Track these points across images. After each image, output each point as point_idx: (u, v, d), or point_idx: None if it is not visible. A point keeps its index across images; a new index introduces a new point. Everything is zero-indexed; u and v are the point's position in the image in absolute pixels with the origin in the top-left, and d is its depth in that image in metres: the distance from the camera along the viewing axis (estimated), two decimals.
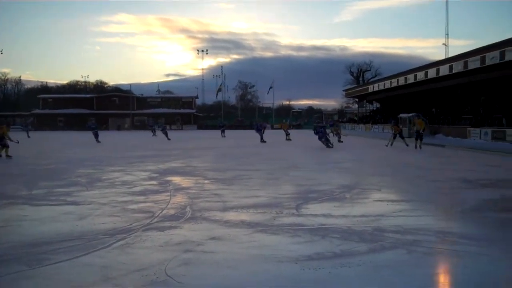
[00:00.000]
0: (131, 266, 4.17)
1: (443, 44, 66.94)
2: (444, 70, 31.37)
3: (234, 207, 7.05)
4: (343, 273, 3.97)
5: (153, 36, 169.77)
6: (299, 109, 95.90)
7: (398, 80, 40.65)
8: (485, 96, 31.12)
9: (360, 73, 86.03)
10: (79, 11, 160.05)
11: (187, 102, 78.38)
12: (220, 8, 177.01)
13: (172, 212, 6.70)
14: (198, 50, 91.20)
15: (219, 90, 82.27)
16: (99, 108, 73.23)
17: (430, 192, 9.07)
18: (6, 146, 17.03)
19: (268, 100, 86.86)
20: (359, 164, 15.16)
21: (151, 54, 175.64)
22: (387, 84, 44.12)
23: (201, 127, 72.92)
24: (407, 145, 21.88)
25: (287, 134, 30.89)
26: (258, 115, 79.68)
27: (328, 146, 21.66)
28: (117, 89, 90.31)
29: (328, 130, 24.21)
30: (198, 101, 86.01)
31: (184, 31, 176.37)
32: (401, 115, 35.27)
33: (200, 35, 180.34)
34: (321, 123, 25.55)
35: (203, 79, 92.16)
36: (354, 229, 5.54)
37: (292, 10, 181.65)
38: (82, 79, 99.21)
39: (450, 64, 30.58)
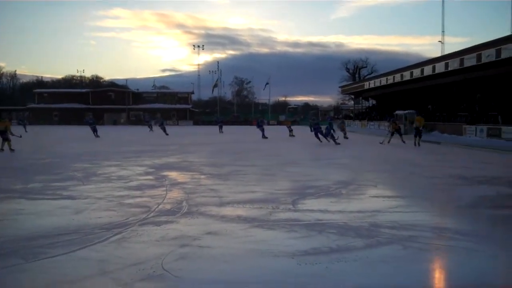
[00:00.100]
0: (127, 260, 4.17)
1: (439, 41, 67.26)
2: (440, 68, 31.41)
3: (230, 202, 7.06)
4: (340, 268, 3.99)
5: (149, 31, 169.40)
6: (295, 105, 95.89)
7: (394, 77, 40.67)
8: (481, 93, 31.19)
9: (356, 69, 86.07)
10: (74, 6, 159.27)
11: (183, 97, 78.15)
12: (216, 4, 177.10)
13: (168, 207, 6.70)
14: (194, 46, 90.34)
15: (215, 85, 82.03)
16: (95, 103, 72.90)
17: (426, 188, 9.10)
18: (8, 140, 17.20)
19: (264, 96, 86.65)
20: (355, 161, 15.18)
21: (147, 49, 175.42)
22: (383, 81, 44.13)
23: (197, 122, 72.73)
24: (403, 142, 21.84)
25: (291, 131, 30.82)
26: (254, 111, 79.61)
27: (336, 143, 21.51)
28: (113, 84, 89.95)
29: (335, 127, 24.04)
30: (194, 97, 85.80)
31: (180, 26, 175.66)
32: (397, 112, 35.30)
33: (196, 31, 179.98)
34: (315, 120, 25.59)
35: (199, 75, 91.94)
36: (350, 224, 5.56)
37: (288, 6, 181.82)
38: (78, 74, 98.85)
39: (446, 61, 30.62)
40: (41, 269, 3.99)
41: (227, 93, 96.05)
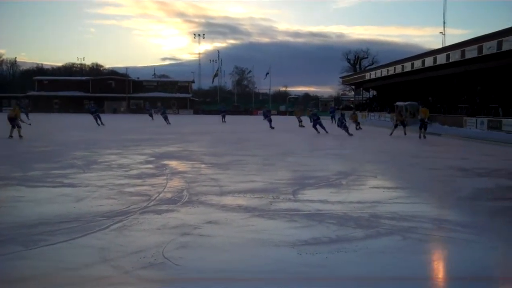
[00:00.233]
0: (128, 248, 4.19)
1: (441, 33, 66.57)
2: (441, 59, 31.32)
3: (231, 192, 7.06)
4: (339, 258, 4.00)
5: (149, 20, 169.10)
6: (295, 95, 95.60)
7: (395, 68, 40.56)
8: (482, 85, 31.14)
9: (357, 60, 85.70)
10: None
11: (183, 86, 77.85)
12: None
13: (169, 195, 6.71)
14: (194, 35, 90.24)
15: (216, 75, 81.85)
16: (95, 91, 72.64)
17: (426, 180, 9.12)
18: (19, 127, 17.45)
19: (265, 86, 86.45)
20: (355, 151, 15.19)
21: (147, 37, 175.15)
22: (384, 72, 44.03)
23: (197, 112, 72.50)
24: (405, 134, 21.63)
25: (300, 121, 30.13)
26: (255, 101, 79.47)
27: (348, 134, 21.34)
28: (113, 72, 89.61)
29: (346, 118, 23.73)
30: (194, 86, 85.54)
31: (181, 15, 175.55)
32: (397, 103, 35.25)
33: (196, 19, 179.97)
34: (312, 111, 25.49)
35: (199, 64, 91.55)
36: (350, 215, 5.57)
37: None
38: (78, 62, 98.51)
39: (447, 53, 30.54)
40: (41, 257, 4.00)
41: (228, 82, 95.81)
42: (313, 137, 20.71)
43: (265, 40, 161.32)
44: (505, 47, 23.78)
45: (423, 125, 19.94)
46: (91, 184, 7.60)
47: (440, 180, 8.96)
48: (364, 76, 51.96)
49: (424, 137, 19.86)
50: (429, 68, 33.88)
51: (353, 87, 64.69)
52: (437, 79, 36.10)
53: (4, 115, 20.30)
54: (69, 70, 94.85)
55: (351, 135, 21.41)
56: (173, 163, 10.87)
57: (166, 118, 33.18)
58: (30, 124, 18.64)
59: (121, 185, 7.60)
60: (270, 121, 27.71)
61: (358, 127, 26.59)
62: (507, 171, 10.39)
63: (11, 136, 17.13)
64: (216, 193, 6.92)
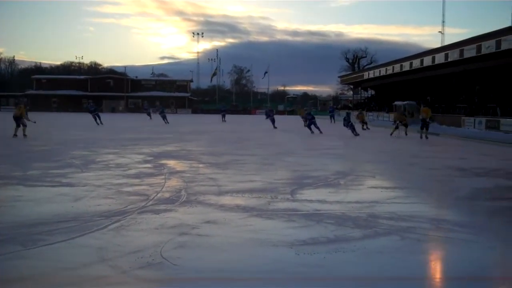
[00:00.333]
0: (126, 248, 4.18)
1: (439, 32, 66.90)
2: (439, 58, 31.37)
3: (229, 191, 7.06)
4: (338, 258, 4.00)
5: (148, 18, 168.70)
6: (294, 94, 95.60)
7: (393, 67, 40.62)
8: (480, 85, 31.18)
9: (355, 59, 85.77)
10: None
11: (182, 85, 77.77)
12: None
13: (167, 195, 6.70)
14: (193, 33, 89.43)
15: (214, 74, 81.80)
16: (93, 90, 72.57)
17: (424, 179, 9.13)
18: (24, 126, 17.40)
19: (263, 85, 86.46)
20: (354, 151, 15.21)
21: (146, 36, 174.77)
22: (382, 71, 44.09)
23: (195, 111, 72.44)
24: (406, 134, 21.24)
25: (305, 121, 29.88)
26: (253, 100, 79.53)
27: (355, 134, 21.02)
28: (111, 71, 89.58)
29: (352, 118, 23.25)
30: (193, 85, 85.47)
31: (179, 13, 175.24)
32: (396, 102, 35.27)
33: (195, 18, 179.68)
34: (307, 110, 25.35)
35: (198, 63, 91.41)
36: (348, 215, 5.57)
37: None
38: (77, 60, 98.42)
39: (446, 52, 30.59)
40: (40, 256, 3.99)
41: (226, 81, 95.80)
42: (313, 137, 20.72)
43: (264, 39, 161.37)
44: (504, 46, 23.83)
45: (424, 125, 19.41)
46: (89, 184, 7.58)
47: (438, 180, 8.97)
48: (363, 75, 52.03)
49: (426, 137, 19.37)
50: (428, 67, 33.93)
51: (352, 86, 64.73)
52: (435, 78, 36.15)
53: (4, 114, 20.29)
54: (67, 69, 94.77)
55: (358, 135, 21.17)
56: (171, 163, 10.86)
57: (164, 117, 33.03)
58: (35, 122, 18.56)
59: (119, 184, 7.59)
60: (273, 120, 27.32)
61: (365, 127, 26.38)
62: (505, 171, 10.40)
63: (15, 135, 17.08)
64: (214, 193, 6.92)
